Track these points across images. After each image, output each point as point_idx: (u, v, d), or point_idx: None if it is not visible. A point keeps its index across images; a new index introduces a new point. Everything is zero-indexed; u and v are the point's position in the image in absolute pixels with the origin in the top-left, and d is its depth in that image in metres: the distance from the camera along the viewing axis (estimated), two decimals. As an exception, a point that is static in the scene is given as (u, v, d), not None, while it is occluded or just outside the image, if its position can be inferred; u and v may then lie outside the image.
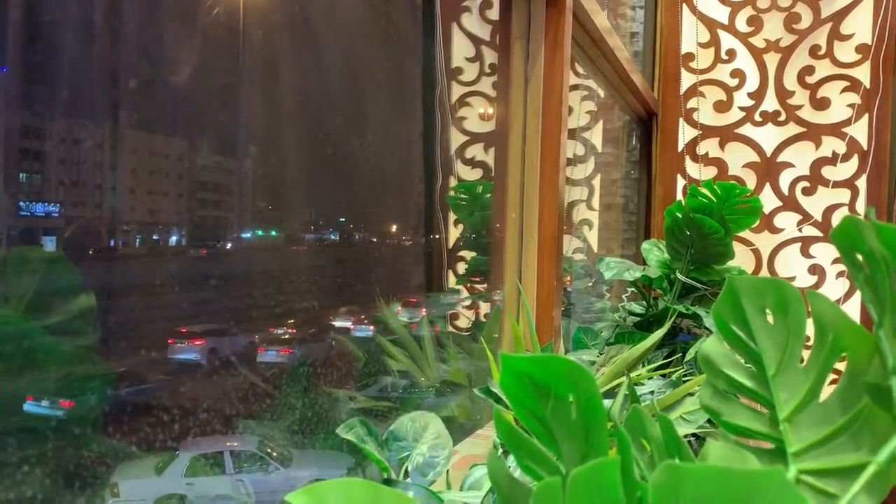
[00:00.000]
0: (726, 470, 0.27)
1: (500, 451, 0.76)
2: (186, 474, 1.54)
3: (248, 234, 1.81)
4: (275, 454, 1.68)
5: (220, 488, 1.60)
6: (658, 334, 1.11)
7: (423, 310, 2.00)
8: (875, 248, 0.36)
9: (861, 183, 2.32)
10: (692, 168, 2.52)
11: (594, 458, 0.36)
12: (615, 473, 0.27)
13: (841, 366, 0.41)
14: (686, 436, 0.89)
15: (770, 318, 0.43)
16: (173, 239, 1.50)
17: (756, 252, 2.43)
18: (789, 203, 2.41)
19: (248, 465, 1.63)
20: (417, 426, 0.63)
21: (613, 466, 0.27)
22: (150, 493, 1.50)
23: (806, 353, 0.42)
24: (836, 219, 2.35)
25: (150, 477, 1.50)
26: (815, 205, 2.38)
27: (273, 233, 1.86)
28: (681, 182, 2.53)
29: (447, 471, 0.66)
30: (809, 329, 0.41)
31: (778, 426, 0.42)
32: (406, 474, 0.60)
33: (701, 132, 2.50)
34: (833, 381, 0.40)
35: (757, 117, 2.44)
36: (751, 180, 2.44)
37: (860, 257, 0.38)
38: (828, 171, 2.36)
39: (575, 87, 2.31)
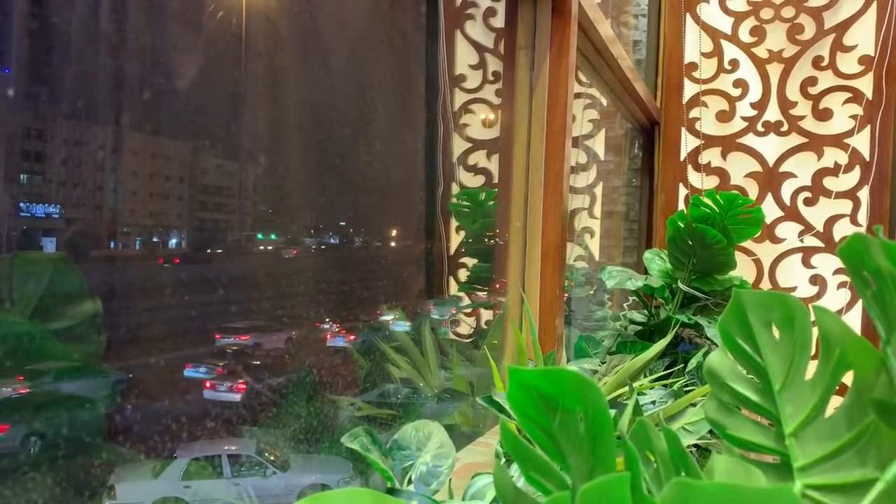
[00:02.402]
0: (736, 487, 0.27)
1: (503, 460, 0.76)
2: (184, 477, 1.54)
3: (249, 237, 1.82)
4: (273, 458, 1.68)
5: (218, 492, 1.59)
6: (661, 344, 1.11)
7: (454, 308, 2.05)
8: (883, 266, 0.36)
9: (863, 194, 2.32)
10: (694, 177, 2.53)
11: (601, 471, 0.36)
12: (625, 489, 0.27)
13: (846, 379, 0.41)
14: (688, 446, 0.89)
15: (776, 333, 0.43)
16: (197, 244, 1.59)
17: (758, 262, 2.43)
18: (791, 213, 2.41)
19: (246, 468, 1.63)
20: (421, 435, 0.63)
21: (623, 482, 0.27)
22: (148, 495, 1.50)
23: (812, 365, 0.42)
24: (838, 229, 2.36)
25: (148, 479, 1.50)
26: (816, 215, 2.39)
27: (273, 236, 1.87)
28: (682, 191, 2.54)
29: (449, 479, 0.66)
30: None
31: (783, 440, 0.42)
32: (409, 483, 0.60)
33: (703, 141, 2.50)
34: (838, 392, 0.40)
35: (759, 127, 2.45)
36: (752, 190, 2.45)
37: (867, 274, 0.38)
38: (830, 182, 2.37)
39: (578, 96, 2.31)
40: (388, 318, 2.00)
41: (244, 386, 1.67)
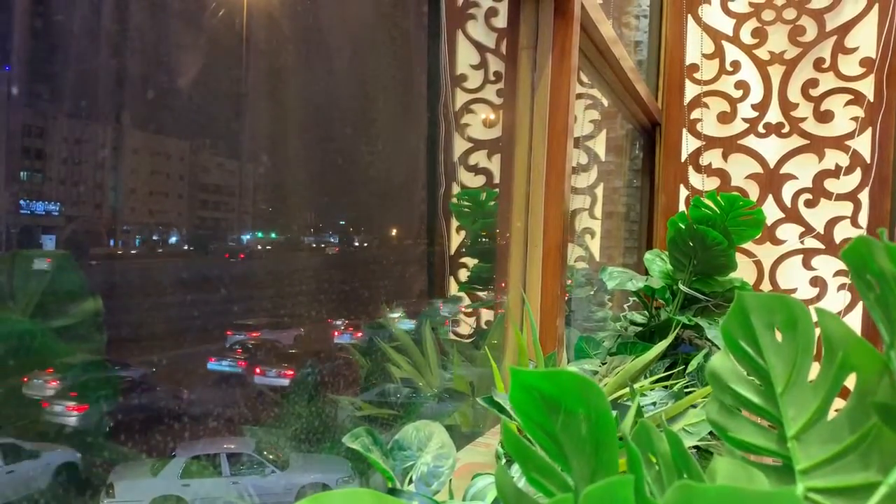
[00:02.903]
0: (738, 489, 0.27)
1: (504, 461, 0.76)
2: (183, 476, 1.54)
3: (249, 237, 1.83)
4: (272, 457, 1.68)
5: (218, 490, 1.59)
6: (661, 346, 1.11)
7: (460, 307, 2.08)
8: (886, 269, 0.36)
9: (864, 196, 2.32)
10: (695, 178, 2.53)
11: (604, 472, 0.36)
12: (628, 492, 0.27)
13: (848, 382, 0.41)
14: (689, 448, 0.89)
15: (778, 335, 0.43)
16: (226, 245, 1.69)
17: (758, 263, 2.43)
18: (792, 215, 2.41)
19: (245, 467, 1.63)
20: (422, 435, 0.63)
21: (627, 485, 0.27)
22: (146, 493, 1.50)
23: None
24: (839, 231, 2.35)
25: (147, 478, 1.50)
26: (817, 217, 2.39)
27: (273, 235, 1.88)
28: (683, 192, 2.54)
29: (450, 480, 0.66)
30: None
31: (786, 443, 0.42)
32: (410, 483, 0.60)
33: (704, 143, 2.50)
34: (840, 395, 0.40)
35: (760, 129, 2.45)
36: (753, 192, 2.44)
37: (871, 277, 0.38)
38: (830, 184, 2.36)
39: (579, 96, 2.31)
40: (393, 316, 2.03)
41: (292, 372, 1.88)
